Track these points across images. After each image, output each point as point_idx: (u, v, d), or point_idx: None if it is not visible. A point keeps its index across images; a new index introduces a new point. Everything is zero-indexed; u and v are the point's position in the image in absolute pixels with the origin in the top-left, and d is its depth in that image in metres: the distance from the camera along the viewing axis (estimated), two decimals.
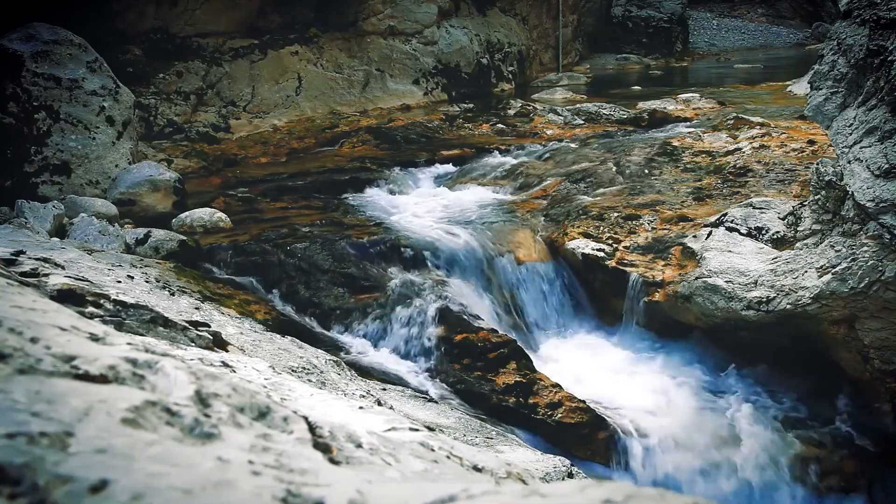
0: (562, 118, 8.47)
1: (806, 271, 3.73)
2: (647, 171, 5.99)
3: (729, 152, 6.07)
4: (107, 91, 5.86)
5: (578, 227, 5.03)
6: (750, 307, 3.90)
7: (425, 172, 6.77)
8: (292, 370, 2.86)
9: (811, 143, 5.88)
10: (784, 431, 3.74)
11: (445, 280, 4.60)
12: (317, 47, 9.35)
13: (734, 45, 17.82)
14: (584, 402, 3.80)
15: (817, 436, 3.71)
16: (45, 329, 1.00)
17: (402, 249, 4.78)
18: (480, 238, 5.01)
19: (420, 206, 5.85)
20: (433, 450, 1.18)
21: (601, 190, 5.75)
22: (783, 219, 4.35)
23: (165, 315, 1.92)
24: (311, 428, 0.99)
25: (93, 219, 4.74)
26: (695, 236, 4.59)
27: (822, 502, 3.53)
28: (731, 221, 4.48)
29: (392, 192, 6.23)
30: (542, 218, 5.41)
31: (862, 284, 3.45)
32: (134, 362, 0.95)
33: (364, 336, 4.21)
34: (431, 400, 3.62)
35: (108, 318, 1.69)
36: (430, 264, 4.73)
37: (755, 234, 4.36)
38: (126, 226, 5.07)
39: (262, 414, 0.96)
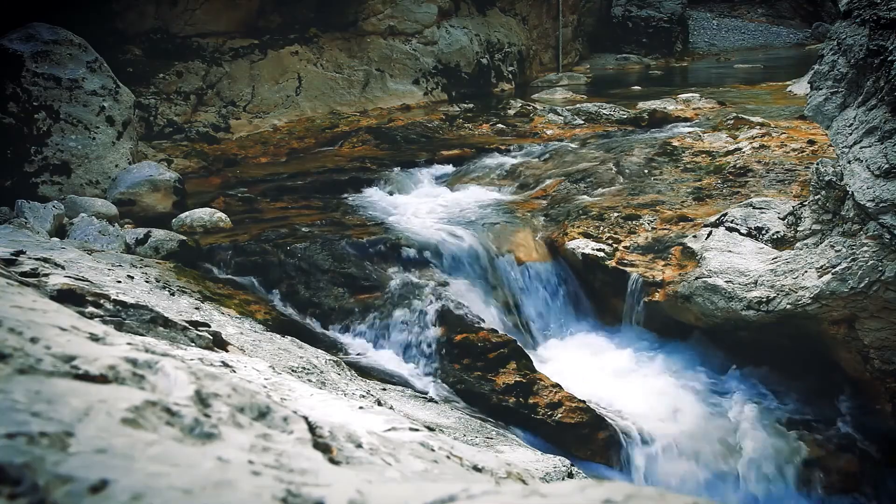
0: (562, 118, 8.47)
1: (806, 271, 3.73)
2: (647, 171, 5.99)
3: (729, 152, 6.07)
4: (107, 91, 5.86)
5: (578, 227, 5.03)
6: (750, 307, 3.90)
7: (425, 172, 6.77)
8: (292, 370, 2.86)
9: (811, 143, 5.88)
10: (784, 431, 3.74)
11: (445, 280, 4.60)
12: (317, 47, 9.36)
13: (734, 45, 17.82)
14: (584, 402, 3.80)
15: (817, 435, 3.71)
16: (45, 329, 1.00)
17: (402, 249, 4.78)
18: (481, 238, 5.01)
19: (420, 206, 5.85)
20: (433, 450, 1.18)
21: (601, 190, 5.75)
22: (783, 219, 4.35)
23: (165, 315, 1.92)
24: (311, 428, 0.99)
25: (93, 219, 4.74)
26: (695, 236, 4.59)
27: (823, 502, 3.53)
28: (731, 221, 4.48)
29: (392, 192, 6.23)
30: (543, 218, 5.42)
31: (862, 284, 3.45)
32: (134, 362, 0.95)
33: (364, 336, 4.21)
34: (431, 400, 3.62)
35: (108, 318, 1.69)
36: (430, 264, 4.73)
37: (755, 234, 4.36)
38: (126, 226, 5.07)
39: (262, 414, 0.96)
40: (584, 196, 5.66)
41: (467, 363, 4.00)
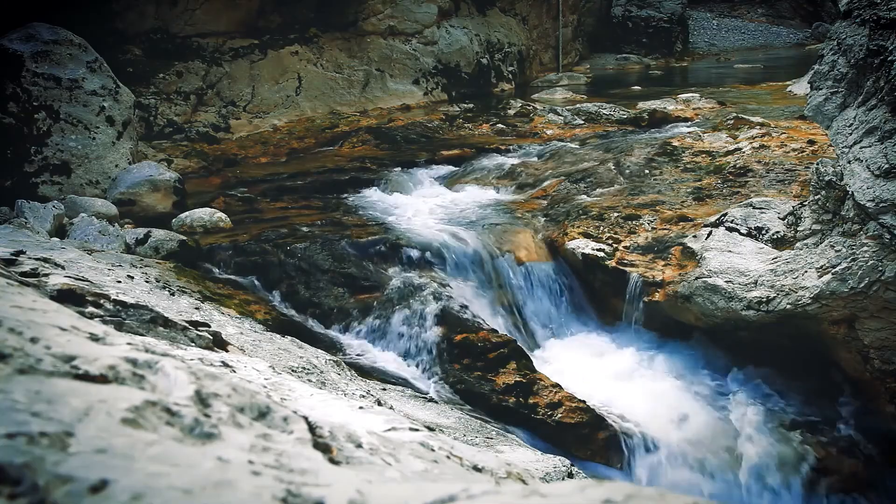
0: (562, 118, 8.48)
1: (806, 271, 3.73)
2: (647, 171, 5.99)
3: (729, 152, 6.07)
4: (107, 91, 5.86)
5: (578, 227, 5.03)
6: (750, 307, 3.90)
7: (425, 172, 6.77)
8: (292, 370, 2.86)
9: (811, 143, 5.88)
10: (784, 431, 3.74)
11: (445, 280, 4.60)
12: (317, 47, 9.36)
13: (734, 45, 17.83)
14: (584, 402, 3.80)
15: (818, 437, 3.71)
16: (45, 329, 1.00)
17: (402, 249, 4.78)
18: (480, 238, 5.01)
19: (420, 206, 5.85)
20: (433, 450, 1.18)
21: (601, 190, 5.75)
22: (783, 219, 4.35)
23: (165, 315, 1.92)
24: (311, 428, 0.99)
25: (93, 219, 4.74)
26: (695, 236, 4.59)
27: (823, 502, 3.53)
28: (731, 221, 4.48)
29: (392, 192, 6.23)
30: (543, 218, 5.41)
31: (862, 284, 3.45)
32: (134, 362, 0.95)
33: (364, 336, 4.21)
34: (431, 400, 3.62)
35: (108, 318, 1.69)
36: (430, 264, 4.73)
37: (755, 234, 4.36)
38: (126, 226, 5.07)
39: (262, 414, 0.96)
40: (584, 196, 5.66)
41: (467, 363, 4.00)
